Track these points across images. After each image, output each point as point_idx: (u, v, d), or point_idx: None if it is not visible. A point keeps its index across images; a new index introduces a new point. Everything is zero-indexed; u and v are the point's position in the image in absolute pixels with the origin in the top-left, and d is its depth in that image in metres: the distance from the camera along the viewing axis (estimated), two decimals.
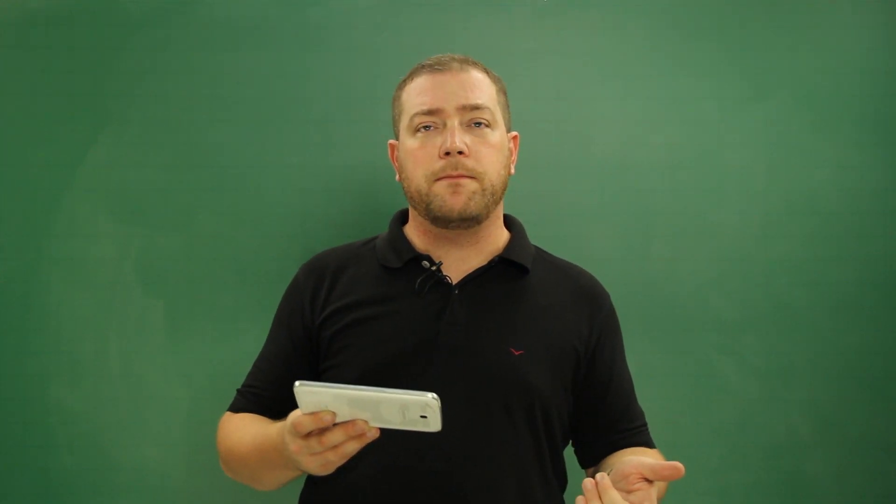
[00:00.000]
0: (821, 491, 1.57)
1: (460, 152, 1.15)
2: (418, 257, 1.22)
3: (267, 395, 1.23)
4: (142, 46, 1.48)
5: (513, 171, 1.26)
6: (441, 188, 1.17)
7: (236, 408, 1.25)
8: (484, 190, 1.17)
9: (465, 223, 1.18)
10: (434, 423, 0.91)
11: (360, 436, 0.92)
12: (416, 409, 0.89)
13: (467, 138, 1.17)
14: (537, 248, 1.30)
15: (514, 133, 1.28)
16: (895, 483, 1.58)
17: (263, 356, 1.27)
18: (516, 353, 1.16)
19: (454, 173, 1.16)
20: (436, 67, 1.20)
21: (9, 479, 1.40)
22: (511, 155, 1.26)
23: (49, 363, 1.43)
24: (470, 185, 1.16)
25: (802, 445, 1.57)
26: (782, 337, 1.58)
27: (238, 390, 1.26)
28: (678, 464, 0.96)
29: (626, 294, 1.49)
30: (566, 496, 1.25)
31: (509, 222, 1.30)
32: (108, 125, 1.47)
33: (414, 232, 1.26)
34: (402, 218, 1.30)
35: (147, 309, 1.45)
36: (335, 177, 1.51)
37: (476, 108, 1.17)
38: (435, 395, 0.88)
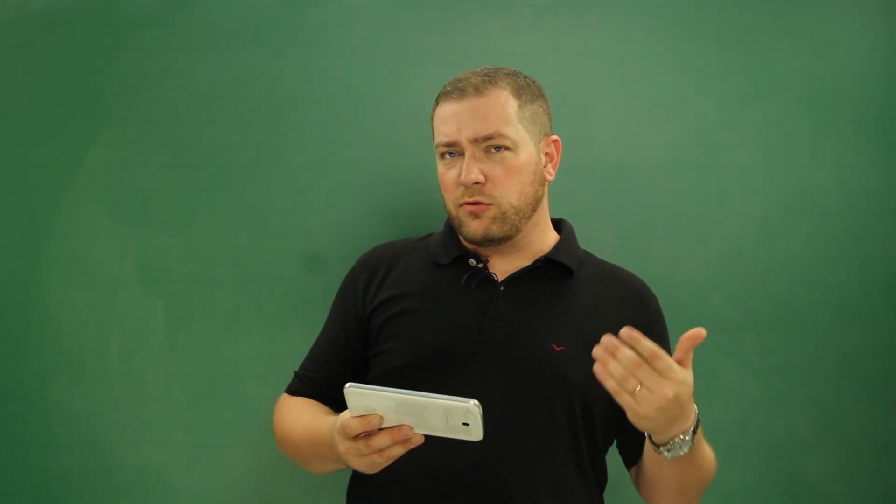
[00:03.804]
0: (821, 491, 1.57)
1: (476, 182, 1.19)
2: (465, 255, 1.26)
3: (320, 380, 1.29)
4: (142, 46, 1.48)
5: (550, 176, 1.28)
6: (464, 215, 1.23)
7: (292, 390, 1.31)
8: (504, 213, 1.21)
9: (494, 244, 1.23)
10: (476, 432, 0.96)
11: (406, 441, 0.97)
12: (459, 415, 0.94)
13: (485, 165, 1.20)
14: (587, 252, 1.33)
15: (555, 137, 1.29)
16: (895, 483, 1.58)
17: (318, 342, 1.33)
18: (557, 349, 1.18)
19: (471, 200, 1.21)
20: (453, 95, 1.23)
21: (9, 479, 1.40)
22: (549, 160, 1.28)
23: (49, 363, 1.42)
24: (489, 211, 1.21)
25: (802, 445, 1.57)
26: (782, 337, 1.58)
27: (295, 373, 1.32)
28: (698, 330, 0.98)
29: None
30: (606, 494, 1.27)
31: (560, 225, 1.33)
32: (108, 125, 1.47)
33: None
34: None
35: (147, 309, 1.45)
36: (335, 177, 1.51)
37: (489, 138, 1.20)
38: (476, 403, 0.93)
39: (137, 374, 1.44)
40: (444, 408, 0.93)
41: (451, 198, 1.24)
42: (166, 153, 1.48)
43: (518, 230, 1.24)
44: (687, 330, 1.54)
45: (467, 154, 1.21)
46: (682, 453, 1.04)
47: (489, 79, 1.23)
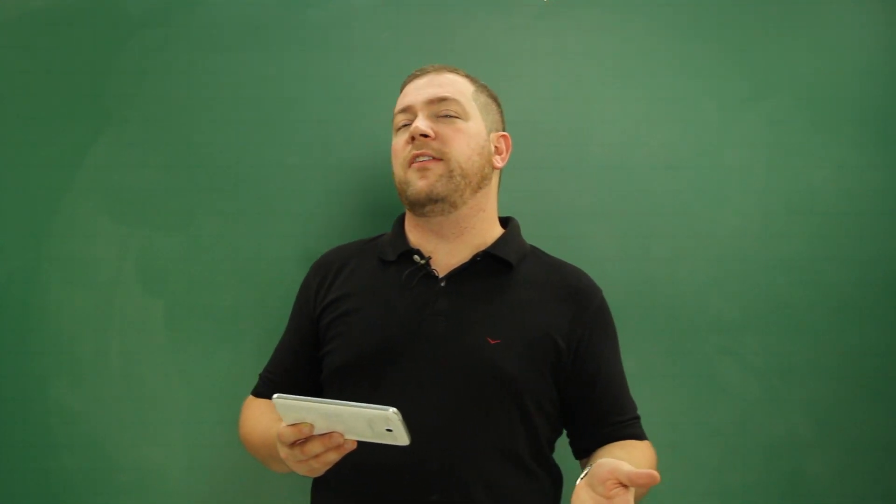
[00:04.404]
0: (821, 491, 1.57)
1: (425, 135, 1.23)
2: (410, 251, 1.27)
3: (281, 382, 1.30)
4: (142, 46, 1.48)
5: (499, 164, 1.31)
6: (412, 174, 1.24)
7: (256, 392, 1.34)
8: (451, 171, 1.23)
9: (438, 206, 1.23)
10: (401, 437, 0.97)
11: (338, 447, 1.00)
12: (380, 422, 0.95)
13: (435, 125, 1.24)
14: (533, 248, 1.33)
15: (503, 133, 1.33)
16: (895, 483, 1.58)
17: (279, 345, 1.36)
18: (493, 343, 1.19)
19: (419, 153, 1.23)
20: (415, 74, 1.31)
21: (9, 479, 1.40)
22: (497, 152, 1.31)
23: (49, 363, 1.42)
24: (436, 167, 1.23)
25: (802, 445, 1.57)
26: (782, 337, 1.58)
27: (259, 374, 1.35)
28: (654, 472, 0.97)
29: (626, 294, 1.49)
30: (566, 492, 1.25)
31: (507, 222, 1.34)
32: (108, 125, 1.47)
33: (409, 229, 1.31)
34: (404, 217, 1.35)
35: (147, 309, 1.45)
36: (335, 177, 1.51)
37: (442, 99, 1.25)
38: (395, 410, 0.94)
39: (137, 374, 1.44)
40: (366, 416, 0.95)
41: (400, 160, 1.26)
42: (166, 153, 1.48)
43: (462, 199, 1.24)
44: (685, 329, 1.55)
45: (420, 115, 1.25)
46: None
47: (447, 67, 1.31)
